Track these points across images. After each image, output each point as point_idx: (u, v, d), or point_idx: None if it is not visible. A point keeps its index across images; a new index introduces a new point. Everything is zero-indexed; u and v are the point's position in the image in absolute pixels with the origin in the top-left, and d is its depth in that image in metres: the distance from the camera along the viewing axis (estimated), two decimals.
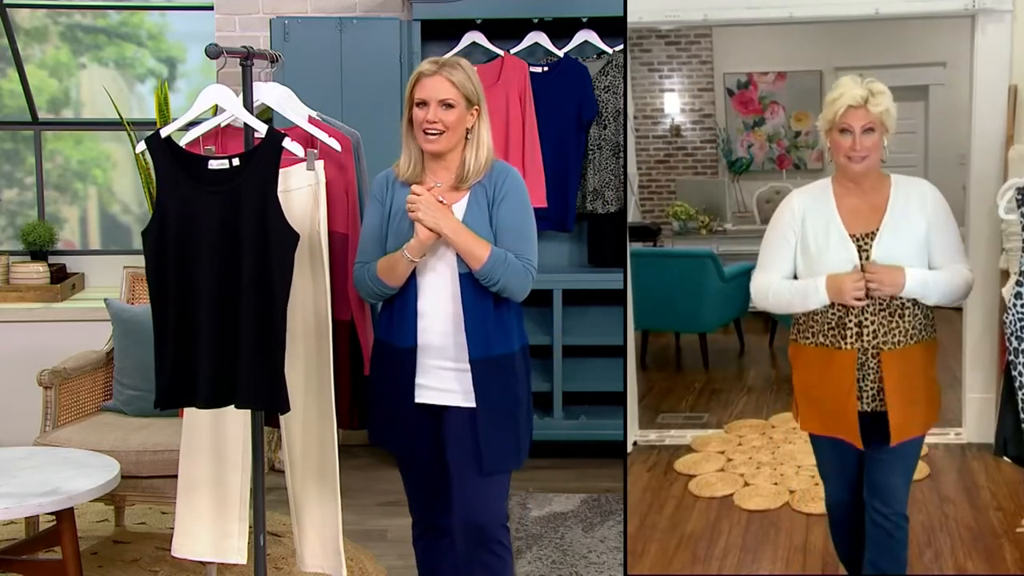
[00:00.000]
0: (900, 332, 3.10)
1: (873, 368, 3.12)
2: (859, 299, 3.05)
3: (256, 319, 3.01)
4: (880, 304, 3.09)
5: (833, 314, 3.11)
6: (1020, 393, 3.08)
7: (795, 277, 3.19)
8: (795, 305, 3.17)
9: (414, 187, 3.01)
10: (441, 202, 3.01)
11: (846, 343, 3.11)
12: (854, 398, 3.13)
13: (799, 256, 3.17)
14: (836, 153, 3.10)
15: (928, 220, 3.08)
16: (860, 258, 3.09)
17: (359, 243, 3.21)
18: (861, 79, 3.07)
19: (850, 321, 3.09)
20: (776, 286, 3.19)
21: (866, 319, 3.09)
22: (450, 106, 3.01)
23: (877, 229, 3.09)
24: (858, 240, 3.10)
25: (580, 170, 5.42)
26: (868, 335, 3.10)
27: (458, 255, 3.02)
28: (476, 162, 3.06)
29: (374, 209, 3.14)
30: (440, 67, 3.03)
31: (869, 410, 3.13)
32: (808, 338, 3.20)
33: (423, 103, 3.02)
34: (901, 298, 3.08)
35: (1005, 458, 3.24)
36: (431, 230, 2.97)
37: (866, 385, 3.13)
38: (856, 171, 3.08)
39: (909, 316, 3.10)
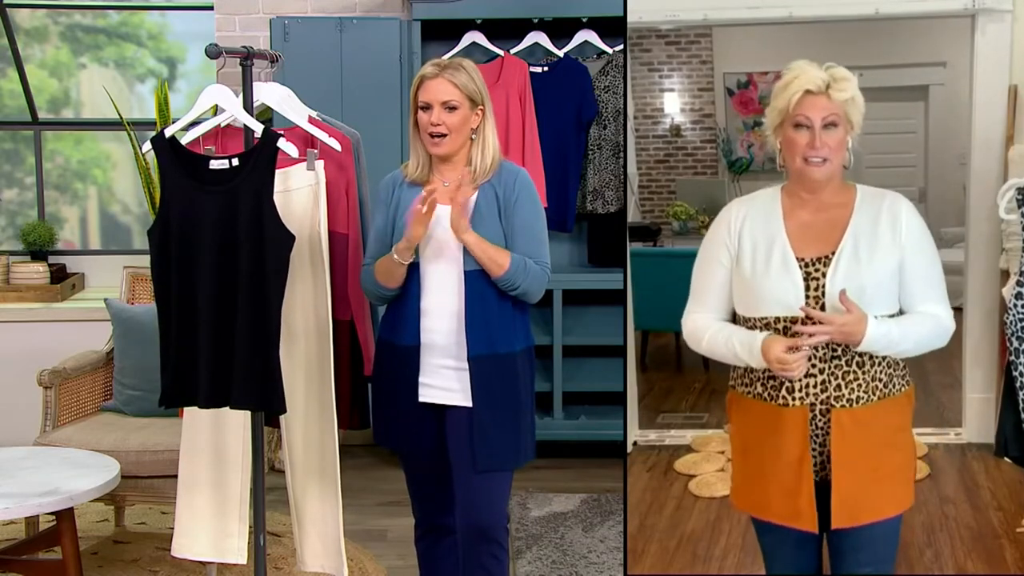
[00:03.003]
0: (859, 386, 2.49)
1: (822, 428, 2.51)
2: (786, 372, 2.44)
3: (251, 320, 3.00)
4: (833, 348, 2.46)
5: None
6: (1021, 393, 3.08)
7: (735, 314, 2.60)
8: (732, 360, 2.56)
9: (427, 191, 2.97)
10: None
11: (794, 397, 2.49)
12: (808, 471, 2.49)
13: (734, 282, 2.57)
14: (790, 154, 2.49)
15: (902, 246, 2.47)
16: (808, 289, 2.44)
17: (367, 245, 3.21)
18: (820, 65, 2.51)
19: None
20: (712, 333, 2.57)
21: (814, 366, 2.49)
22: (453, 108, 3.01)
23: (833, 252, 2.47)
24: (808, 266, 2.48)
25: (580, 170, 5.42)
26: (815, 386, 2.49)
27: (465, 253, 3.02)
28: (483, 162, 3.07)
29: (381, 211, 3.15)
30: (442, 69, 3.03)
31: (817, 480, 2.54)
32: (746, 386, 2.59)
33: (427, 106, 3.02)
34: None
35: (1006, 458, 3.23)
36: (462, 239, 2.95)
37: (814, 449, 2.52)
38: (815, 178, 2.48)
39: (870, 366, 2.49)
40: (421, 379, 3.09)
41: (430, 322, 3.07)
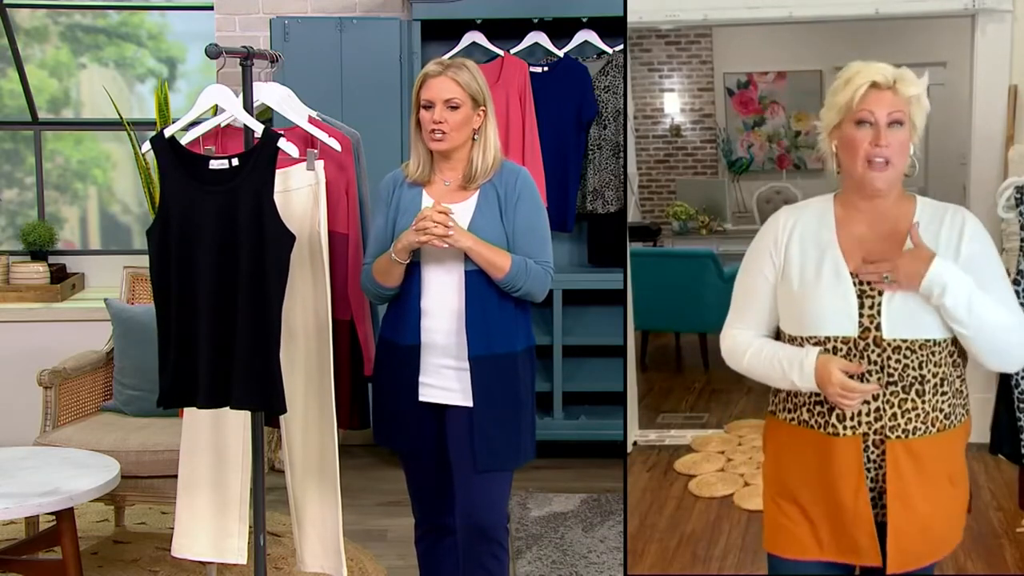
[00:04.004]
0: (917, 416, 2.27)
1: (875, 462, 2.30)
2: (846, 401, 2.23)
3: (251, 320, 3.00)
4: (890, 373, 2.25)
5: None
6: (1016, 391, 3.08)
7: (778, 331, 2.40)
8: (777, 382, 2.35)
9: (432, 207, 2.96)
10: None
11: (845, 426, 2.28)
12: (866, 503, 2.28)
13: (779, 297, 2.36)
14: (850, 156, 2.26)
15: (965, 259, 2.25)
16: (862, 307, 2.24)
17: (367, 245, 3.21)
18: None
19: None
20: (754, 351, 2.36)
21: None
22: (455, 107, 3.02)
23: None
24: (862, 282, 2.28)
25: (580, 170, 5.42)
26: (869, 415, 2.28)
27: (465, 253, 3.02)
28: (484, 162, 3.07)
29: (381, 211, 3.15)
30: (445, 68, 3.04)
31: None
32: (789, 412, 2.38)
33: (429, 104, 3.02)
34: (921, 369, 2.26)
35: (1000, 455, 3.24)
36: (459, 246, 2.95)
37: (867, 485, 2.32)
38: (877, 185, 2.25)
39: (931, 395, 2.27)
40: (421, 379, 3.09)
41: (430, 322, 3.07)
